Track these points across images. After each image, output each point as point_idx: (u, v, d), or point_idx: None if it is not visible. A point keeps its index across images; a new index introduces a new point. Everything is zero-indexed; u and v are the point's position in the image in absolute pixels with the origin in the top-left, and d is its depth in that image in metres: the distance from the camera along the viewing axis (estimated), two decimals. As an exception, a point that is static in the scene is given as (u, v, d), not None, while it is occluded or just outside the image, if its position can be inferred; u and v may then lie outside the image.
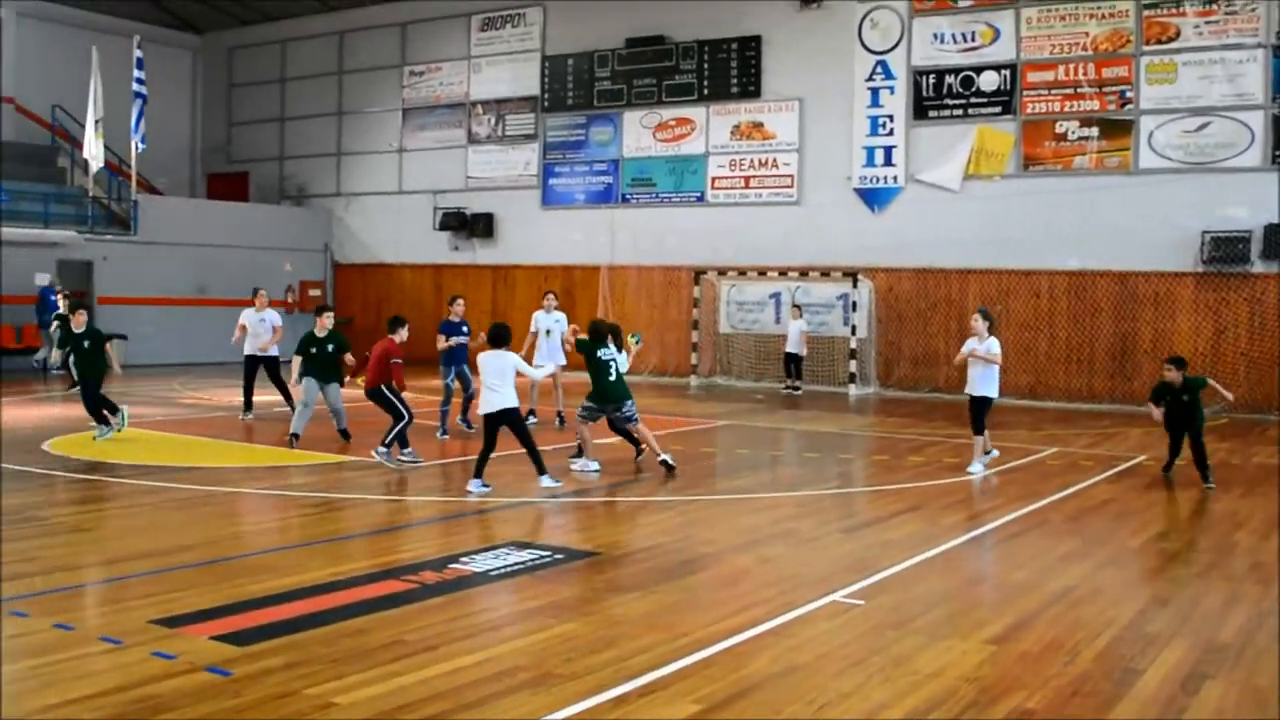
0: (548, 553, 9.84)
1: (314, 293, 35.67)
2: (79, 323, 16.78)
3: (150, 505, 11.89)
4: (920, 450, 16.91)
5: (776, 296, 28.57)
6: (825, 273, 27.23)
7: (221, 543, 10.39)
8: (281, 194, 38.04)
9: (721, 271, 28.87)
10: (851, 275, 26.71)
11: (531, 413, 18.11)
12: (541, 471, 12.95)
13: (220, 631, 7.38)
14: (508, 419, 12.77)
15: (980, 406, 14.50)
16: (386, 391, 14.78)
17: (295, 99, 37.85)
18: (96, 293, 30.79)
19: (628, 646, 7.25)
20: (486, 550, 9.87)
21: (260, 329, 19.46)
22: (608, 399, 14.36)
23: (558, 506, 12.23)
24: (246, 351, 19.48)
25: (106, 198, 32.49)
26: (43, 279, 29.74)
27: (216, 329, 32.12)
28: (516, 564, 9.45)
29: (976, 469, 14.54)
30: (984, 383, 14.44)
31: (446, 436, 17.48)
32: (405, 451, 14.79)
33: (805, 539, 10.65)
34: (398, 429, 14.71)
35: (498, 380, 12.68)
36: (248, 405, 19.38)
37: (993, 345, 14.40)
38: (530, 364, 14.17)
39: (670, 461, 14.22)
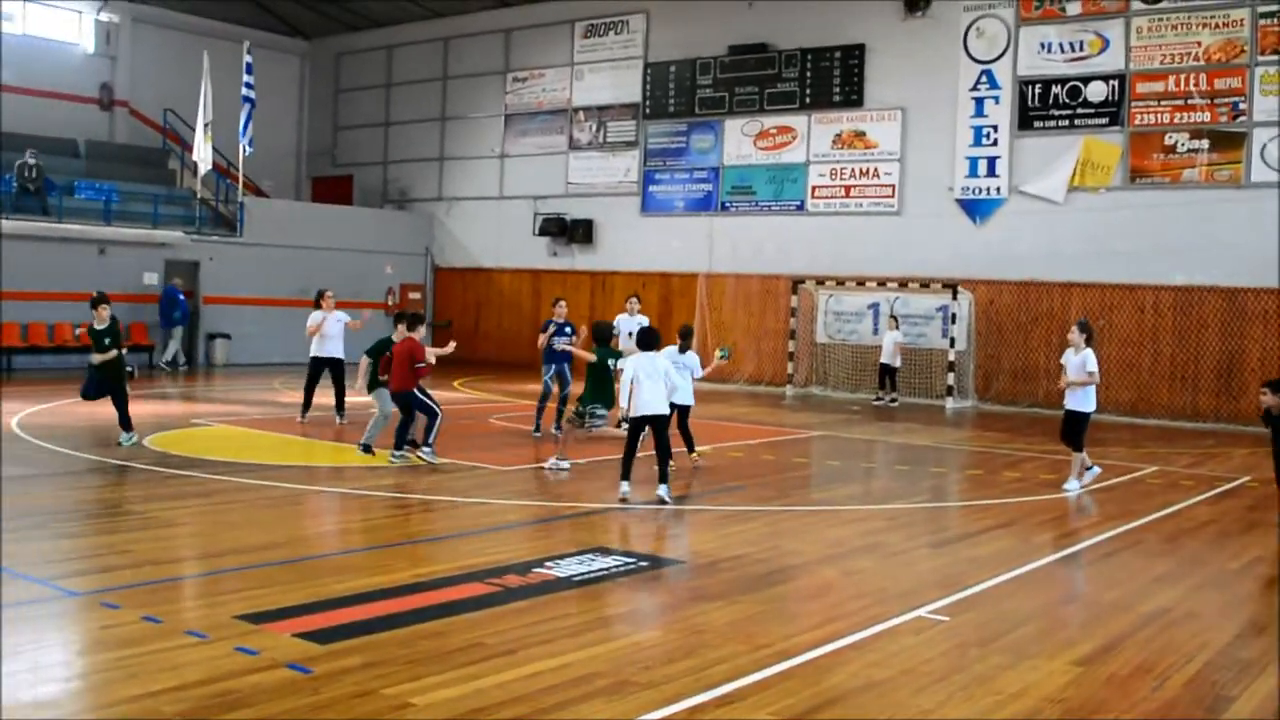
0: (633, 560, 9.84)
1: (414, 295, 36.12)
2: (102, 318, 15.50)
3: (243, 503, 12.08)
4: (1016, 466, 16.65)
5: (875, 307, 28.32)
6: (925, 284, 26.93)
7: (309, 541, 10.55)
8: (384, 198, 38.55)
9: (820, 281, 28.69)
10: (951, 287, 26.38)
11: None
12: (663, 480, 12.71)
13: (303, 629, 7.47)
14: (658, 424, 12.71)
15: (1074, 422, 14.21)
16: (420, 395, 14.98)
17: (400, 104, 38.34)
18: (202, 292, 31.41)
19: (707, 656, 7.21)
20: (572, 555, 9.89)
21: (332, 330, 19.57)
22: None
23: (646, 514, 12.20)
24: (313, 353, 19.56)
25: (214, 199, 33.15)
26: (151, 278, 30.42)
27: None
28: (601, 570, 9.45)
29: (1073, 486, 14.26)
30: (1077, 397, 14.16)
31: (540, 435, 17.63)
32: (425, 449, 14.91)
33: (893, 553, 10.53)
34: (437, 426, 14.93)
35: (651, 381, 12.60)
36: (306, 407, 19.46)
37: (1088, 359, 14.06)
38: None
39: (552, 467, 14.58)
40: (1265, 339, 23.68)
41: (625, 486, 12.71)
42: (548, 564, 9.57)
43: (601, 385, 14.72)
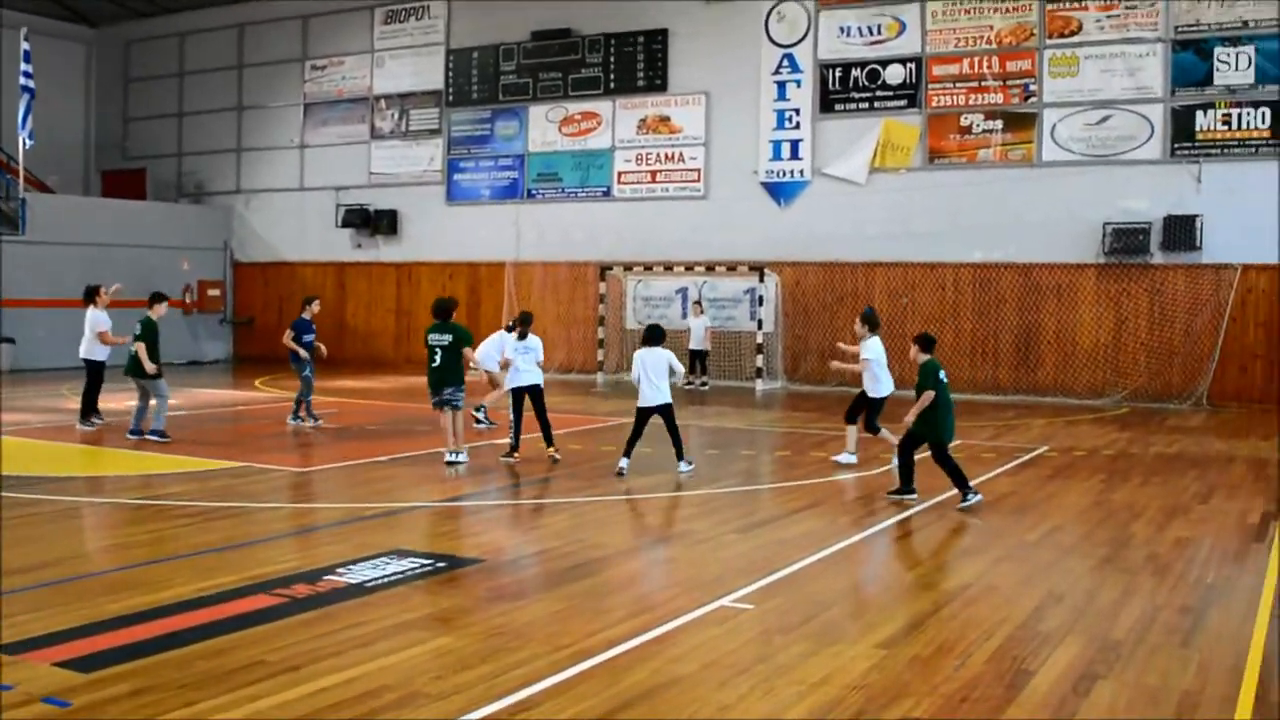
0: (429, 561, 9.46)
1: (213, 292, 34.89)
2: None
3: (18, 519, 11.31)
4: (823, 445, 16.70)
5: (683, 292, 28.32)
6: (732, 267, 27.04)
7: (87, 558, 9.91)
8: (180, 191, 37.09)
9: (628, 267, 28.56)
10: (758, 270, 26.54)
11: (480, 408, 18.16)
12: (681, 457, 14.05)
13: (66, 657, 6.90)
14: (665, 412, 13.90)
15: (861, 403, 14.62)
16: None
17: (194, 94, 36.91)
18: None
19: (504, 660, 6.90)
20: (365, 560, 9.46)
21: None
22: (431, 385, 14.57)
23: (447, 511, 11.84)
24: (94, 356, 18.55)
25: (-8, 196, 31.44)
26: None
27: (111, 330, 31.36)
28: (395, 574, 9.06)
29: (845, 458, 14.66)
30: (867, 381, 14.44)
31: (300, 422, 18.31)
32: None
33: (700, 540, 10.36)
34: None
35: (656, 376, 13.79)
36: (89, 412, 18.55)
37: (865, 348, 14.31)
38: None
39: (451, 459, 14.37)
40: (1059, 312, 24.40)
41: (624, 463, 13.88)
42: (339, 570, 9.14)
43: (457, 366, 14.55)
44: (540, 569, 9.28)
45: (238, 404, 22.61)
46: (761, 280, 26.51)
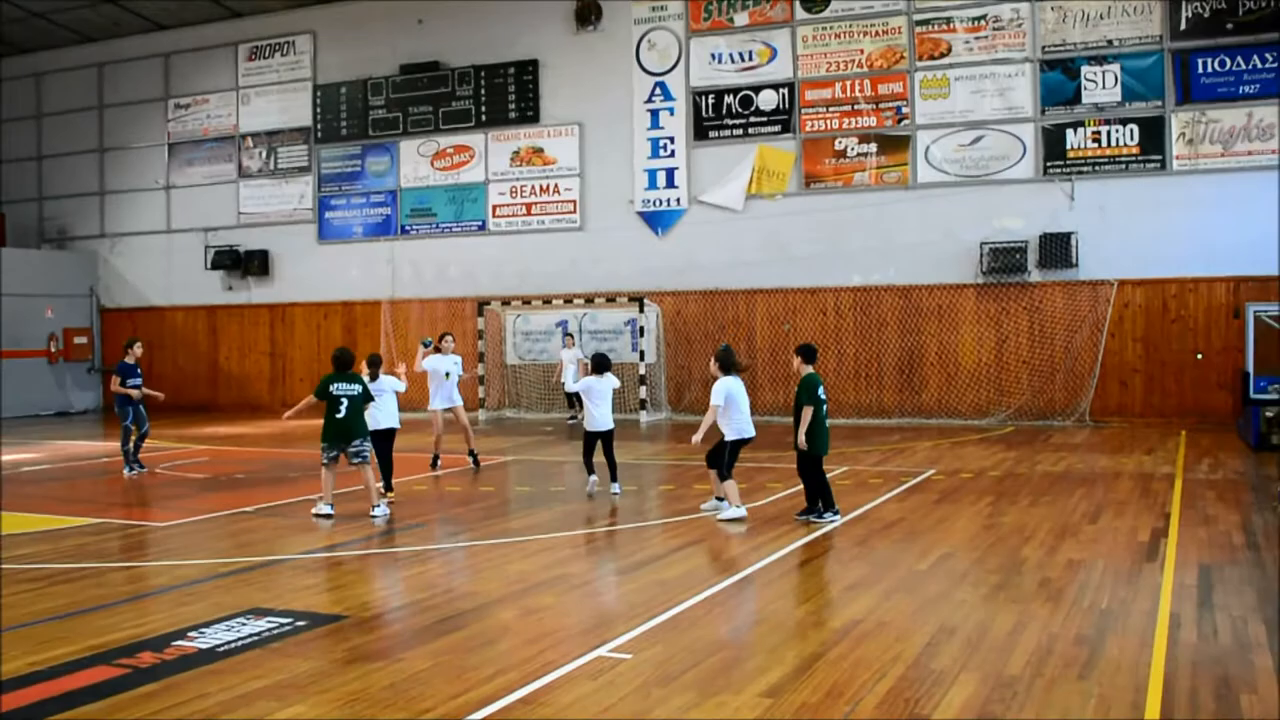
0: (289, 620, 8.83)
1: (80, 340, 33.63)
2: None
3: None
4: (707, 478, 16.23)
5: (563, 324, 27.85)
6: (612, 298, 26.66)
7: (-87, 630, 9.08)
8: (42, 236, 35.77)
9: (505, 301, 28.03)
10: (638, 300, 26.18)
11: (473, 454, 18.11)
12: (615, 479, 14.96)
13: None
14: (608, 438, 14.80)
15: (731, 448, 13.02)
16: None
17: (53, 135, 35.63)
18: None
19: (359, 730, 6.34)
20: (220, 621, 8.81)
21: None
22: (335, 437, 13.71)
23: (311, 564, 11.18)
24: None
25: None
26: None
27: (-27, 383, 30.12)
28: (251, 635, 8.42)
29: (731, 513, 12.75)
30: (726, 425, 12.94)
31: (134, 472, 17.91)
32: None
33: (576, 584, 9.86)
34: None
35: (603, 401, 14.62)
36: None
37: (716, 392, 12.90)
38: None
39: (376, 514, 13.53)
40: (941, 333, 24.37)
41: (594, 479, 14.94)
42: (190, 634, 8.48)
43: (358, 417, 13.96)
44: (405, 624, 8.70)
45: (104, 455, 21.59)
46: (642, 310, 26.15)
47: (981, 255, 23.86)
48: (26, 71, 36.04)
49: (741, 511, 12.72)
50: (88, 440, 24.30)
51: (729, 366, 13.14)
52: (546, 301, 27.38)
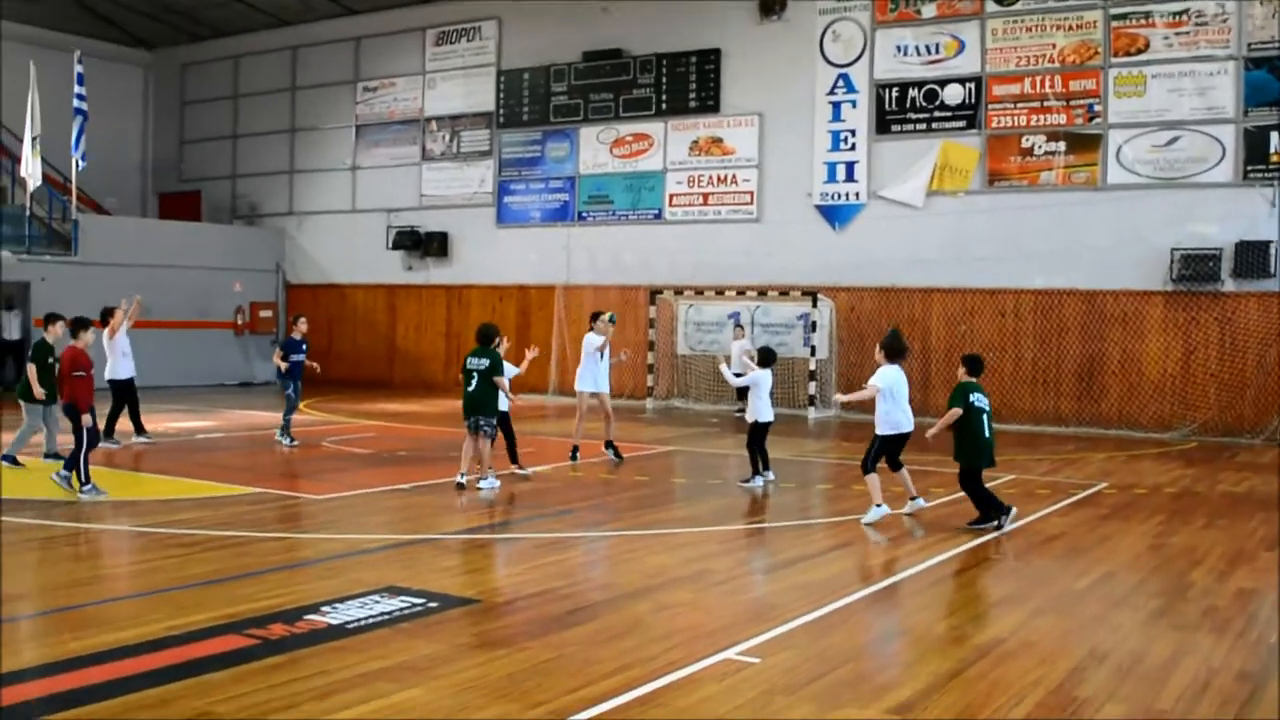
0: (422, 600, 8.79)
1: (265, 314, 34.61)
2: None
3: (17, 544, 10.80)
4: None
5: (735, 316, 27.57)
6: (785, 292, 26.26)
7: (66, 590, 9.30)
8: (234, 213, 36.97)
9: (678, 291, 27.86)
10: (811, 295, 25.74)
11: (611, 445, 17.23)
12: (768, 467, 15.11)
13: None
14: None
15: (879, 443, 12.57)
16: (76, 411, 13.13)
17: (248, 116, 36.80)
18: (33, 314, 29.59)
19: None
20: (355, 597, 8.81)
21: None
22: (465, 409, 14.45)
23: (455, 544, 11.16)
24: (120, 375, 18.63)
25: (47, 217, 31.35)
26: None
27: (163, 351, 31.17)
28: (382, 614, 8.40)
29: (874, 515, 12.27)
30: (878, 416, 12.56)
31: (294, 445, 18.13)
32: (85, 487, 13.02)
33: (715, 582, 9.60)
34: (82, 454, 13.01)
35: (765, 393, 15.06)
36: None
37: (879, 376, 12.45)
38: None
39: (482, 486, 14.19)
40: (1124, 341, 23.36)
41: (761, 478, 14.98)
42: (324, 609, 8.49)
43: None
44: (536, 612, 8.57)
45: (275, 426, 22.06)
46: (815, 305, 25.71)
47: (1172, 261, 22.78)
48: (225, 54, 37.25)
49: (883, 511, 12.30)
50: (264, 411, 24.88)
51: (896, 352, 12.64)
52: (719, 292, 27.13)
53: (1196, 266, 22.53)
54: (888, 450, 12.61)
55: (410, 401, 27.84)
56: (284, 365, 18.44)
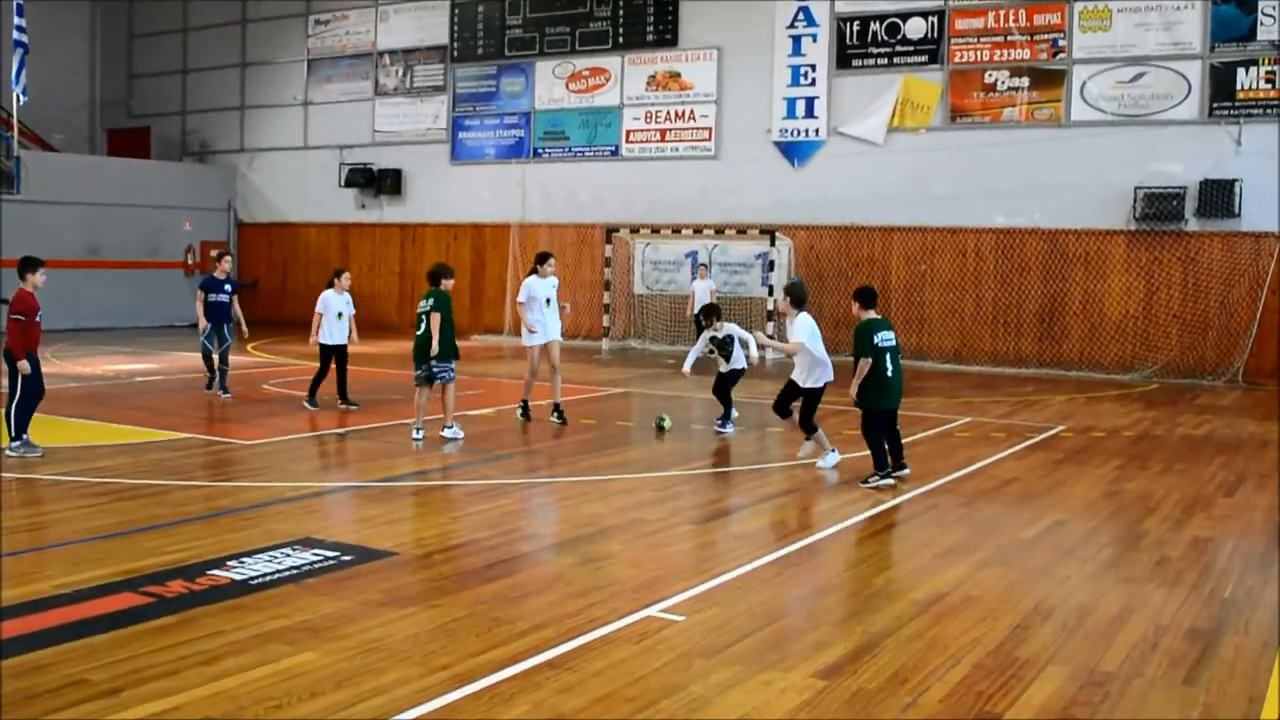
0: (336, 554, 8.31)
1: (215, 253, 33.77)
2: None
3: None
4: (821, 420, 15.39)
5: (693, 256, 27.06)
6: (743, 230, 25.74)
7: (-41, 542, 8.77)
8: (184, 150, 36.11)
9: (635, 229, 27.30)
10: (770, 233, 25.23)
11: (557, 409, 15.17)
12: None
13: None
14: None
15: (788, 393, 12.11)
16: (9, 360, 11.94)
17: (198, 50, 35.84)
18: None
19: (362, 687, 5.75)
20: (266, 550, 8.33)
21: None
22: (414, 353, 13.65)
23: (381, 493, 10.67)
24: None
25: (-12, 154, 30.47)
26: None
27: (112, 292, 30.49)
28: (291, 569, 7.92)
29: (829, 460, 11.83)
30: (801, 370, 11.98)
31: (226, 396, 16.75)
32: (14, 444, 11.96)
33: (647, 532, 9.13)
34: (14, 407, 11.95)
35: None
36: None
37: (797, 329, 11.79)
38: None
39: (445, 434, 13.35)
40: (1086, 281, 22.99)
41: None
42: (230, 563, 8.01)
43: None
44: (455, 565, 8.12)
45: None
46: (773, 244, 25.20)
47: (1135, 200, 22.36)
48: (173, -15, 36.25)
49: (836, 457, 11.86)
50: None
51: (803, 299, 12.02)
52: (676, 231, 26.59)
53: (1160, 205, 22.13)
54: (813, 405, 11.99)
55: (363, 342, 27.13)
56: (200, 308, 16.85)
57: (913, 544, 8.94)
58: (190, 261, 33.15)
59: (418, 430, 13.33)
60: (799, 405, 12.06)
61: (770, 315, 25.10)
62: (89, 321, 29.72)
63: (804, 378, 11.92)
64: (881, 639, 6.56)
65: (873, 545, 9.14)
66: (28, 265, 12.16)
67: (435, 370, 13.32)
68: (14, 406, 12.00)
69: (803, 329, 11.79)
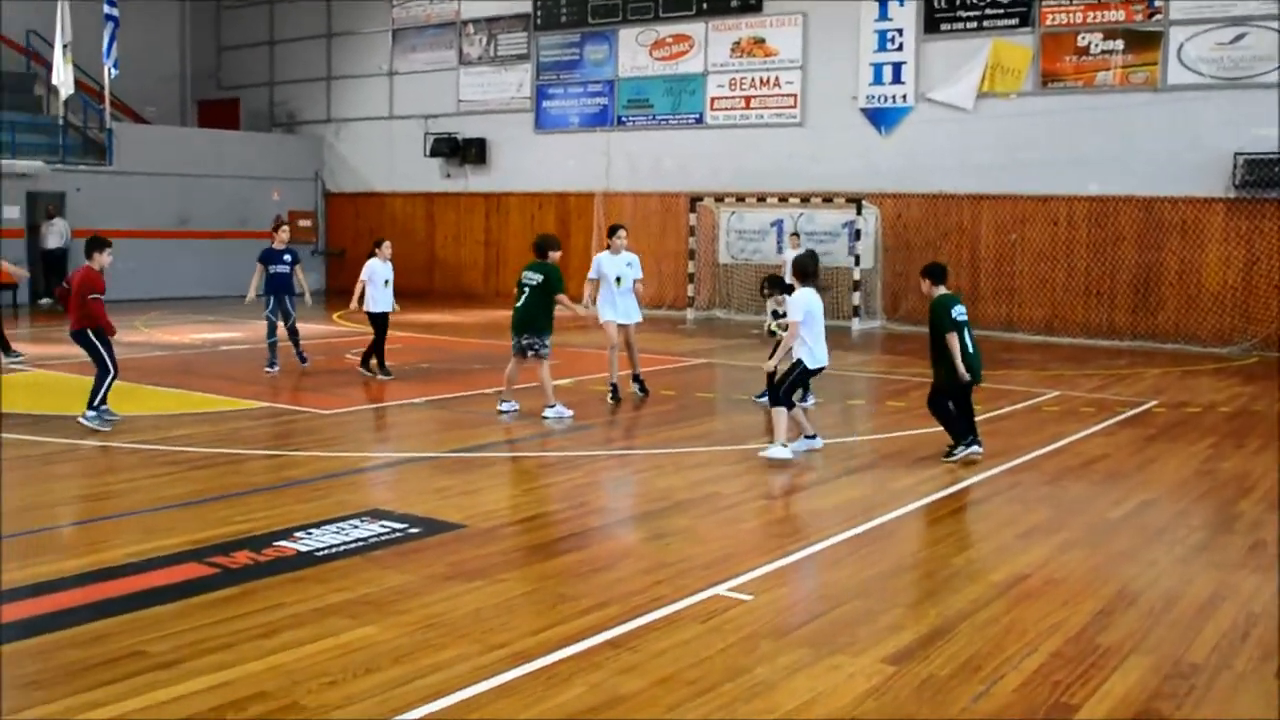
0: (404, 525, 8.24)
1: (304, 223, 34.11)
2: None
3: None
4: (905, 394, 15.13)
5: (778, 224, 26.71)
6: (829, 199, 25.33)
7: (34, 511, 8.82)
8: (272, 121, 36.37)
9: (719, 198, 26.99)
10: (856, 201, 24.81)
11: (638, 379, 14.58)
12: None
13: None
14: None
15: (799, 371, 10.96)
16: (92, 336, 11.94)
17: (284, 21, 36.00)
18: (69, 225, 29.21)
19: (420, 663, 5.66)
20: (334, 521, 8.27)
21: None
22: (512, 326, 13.09)
23: (455, 464, 10.57)
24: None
25: (82, 126, 30.91)
26: (11, 211, 28.29)
27: (200, 262, 30.82)
28: (358, 541, 7.86)
29: (776, 452, 10.64)
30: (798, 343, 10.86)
31: (274, 371, 16.22)
32: (106, 413, 11.97)
33: (720, 508, 8.95)
34: (106, 386, 11.92)
35: None
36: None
37: (794, 304, 10.81)
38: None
39: (548, 415, 12.73)
40: (1183, 250, 22.28)
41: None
42: (297, 534, 7.97)
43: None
44: (522, 539, 8.00)
45: (304, 338, 21.58)
46: (859, 213, 24.78)
47: (1235, 167, 21.59)
48: (261, -43, 36.45)
49: (787, 453, 10.60)
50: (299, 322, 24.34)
51: (810, 273, 10.98)
52: (761, 199, 26.24)
53: (1261, 172, 21.34)
54: (798, 380, 11.09)
55: (447, 312, 27.24)
56: (254, 279, 16.49)
57: (993, 523, 8.66)
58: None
59: (502, 402, 13.12)
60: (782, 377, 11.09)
61: (856, 285, 24.73)
62: (178, 291, 30.11)
63: (807, 357, 10.85)
64: (956, 623, 6.33)
65: (952, 524, 8.88)
66: (96, 245, 12.15)
67: (527, 344, 12.83)
68: (106, 383, 11.93)
69: (799, 302, 10.77)
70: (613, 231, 14.41)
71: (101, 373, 11.89)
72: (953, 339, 10.63)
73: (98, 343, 11.90)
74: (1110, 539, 8.22)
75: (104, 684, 5.40)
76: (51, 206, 28.80)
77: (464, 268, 32.15)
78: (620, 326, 14.08)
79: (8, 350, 16.96)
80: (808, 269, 11.02)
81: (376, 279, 15.98)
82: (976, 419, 11.06)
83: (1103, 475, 10.40)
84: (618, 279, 14.02)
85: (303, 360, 16.73)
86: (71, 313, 12.01)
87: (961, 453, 10.62)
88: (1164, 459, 11.16)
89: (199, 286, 30.48)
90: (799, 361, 10.78)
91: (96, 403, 11.85)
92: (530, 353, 12.88)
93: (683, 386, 15.83)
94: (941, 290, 10.91)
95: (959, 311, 10.77)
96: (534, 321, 12.86)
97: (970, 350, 10.77)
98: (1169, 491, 9.77)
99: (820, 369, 11.07)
